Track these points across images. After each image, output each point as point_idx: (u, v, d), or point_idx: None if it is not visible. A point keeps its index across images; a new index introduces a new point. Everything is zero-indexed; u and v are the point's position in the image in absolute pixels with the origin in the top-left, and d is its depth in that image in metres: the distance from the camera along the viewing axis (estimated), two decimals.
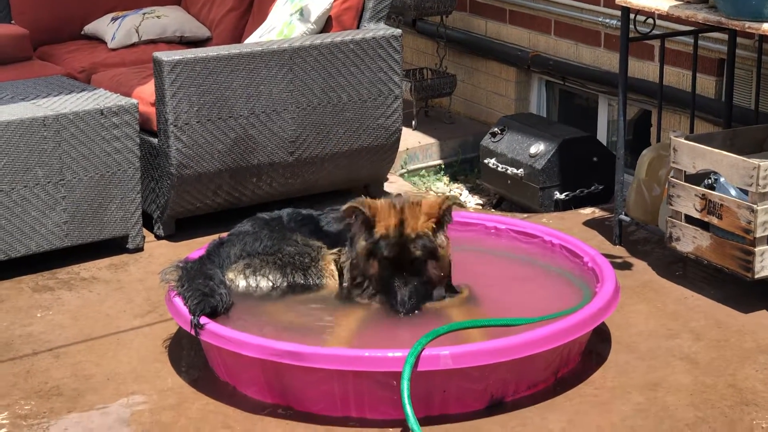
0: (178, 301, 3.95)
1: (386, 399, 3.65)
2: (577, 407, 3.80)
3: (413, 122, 6.83)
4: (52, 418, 3.75)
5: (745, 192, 4.39)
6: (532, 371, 3.81)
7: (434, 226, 4.01)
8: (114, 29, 6.13)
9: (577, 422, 3.70)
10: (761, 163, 4.28)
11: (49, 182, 4.83)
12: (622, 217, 5.09)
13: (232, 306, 3.99)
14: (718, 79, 5.48)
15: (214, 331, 3.80)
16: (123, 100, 5.00)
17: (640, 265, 4.91)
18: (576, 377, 3.97)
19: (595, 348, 4.15)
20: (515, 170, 5.85)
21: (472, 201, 6.28)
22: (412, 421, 3.43)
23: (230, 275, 4.14)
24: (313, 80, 5.27)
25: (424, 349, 3.60)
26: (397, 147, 5.64)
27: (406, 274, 3.99)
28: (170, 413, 3.80)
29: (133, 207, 5.04)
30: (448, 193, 4.17)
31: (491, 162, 6.01)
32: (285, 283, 4.14)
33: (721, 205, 4.43)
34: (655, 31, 5.08)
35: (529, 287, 4.28)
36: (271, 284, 4.13)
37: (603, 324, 4.29)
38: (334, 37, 5.31)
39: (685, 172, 4.60)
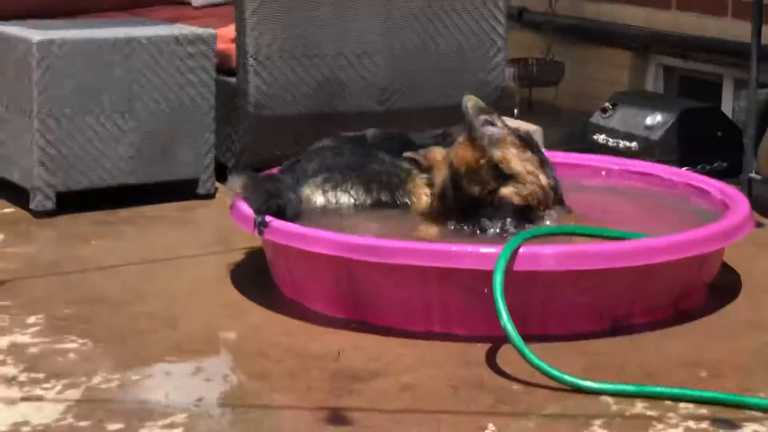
0: (243, 205, 3.48)
1: (476, 310, 3.10)
2: (705, 335, 3.20)
3: (515, 111, 6.33)
4: (92, 322, 3.27)
5: None
6: (648, 292, 3.23)
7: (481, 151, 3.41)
8: None
9: (706, 348, 3.10)
10: None
11: (115, 111, 4.41)
12: (752, 175, 4.50)
13: (301, 216, 3.49)
14: None
15: (279, 227, 3.31)
16: (200, 30, 4.60)
17: None
18: (701, 311, 3.37)
19: (722, 288, 3.55)
20: (628, 143, 5.29)
21: None
22: (505, 319, 2.87)
23: (307, 191, 3.64)
24: (408, 23, 4.82)
25: (521, 245, 3.05)
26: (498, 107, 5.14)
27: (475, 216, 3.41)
28: (225, 321, 3.30)
29: (206, 148, 4.59)
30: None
31: (600, 138, 5.45)
32: (369, 201, 3.63)
33: None
34: None
35: (650, 219, 3.69)
36: (353, 200, 3.62)
37: (731, 269, 3.71)
38: None
39: None
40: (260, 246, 3.69)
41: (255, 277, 3.65)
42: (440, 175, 3.51)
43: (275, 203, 3.39)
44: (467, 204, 3.41)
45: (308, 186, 3.65)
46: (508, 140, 3.45)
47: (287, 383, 2.87)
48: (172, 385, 2.86)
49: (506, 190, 3.40)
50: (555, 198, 3.50)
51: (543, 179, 3.47)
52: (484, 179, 3.38)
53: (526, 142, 3.49)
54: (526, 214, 3.42)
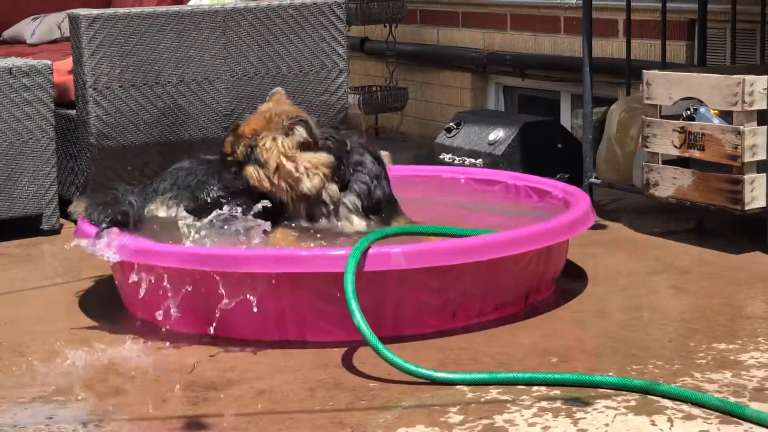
0: (85, 224, 3.41)
1: (331, 315, 3.09)
2: (553, 325, 3.26)
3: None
4: None
5: (729, 117, 3.94)
6: (499, 287, 3.27)
7: (263, 131, 3.47)
8: (34, 26, 5.70)
9: (553, 337, 3.15)
10: (746, 77, 3.84)
11: None
12: (593, 180, 4.62)
13: (142, 221, 3.46)
14: (688, 44, 5.09)
15: (124, 245, 3.25)
16: (35, 62, 4.52)
17: (615, 226, 4.41)
18: (549, 304, 3.43)
19: (568, 285, 3.62)
20: (473, 161, 5.37)
21: None
22: (357, 317, 2.87)
23: (151, 206, 3.60)
24: (249, 47, 4.81)
25: (370, 246, 3.06)
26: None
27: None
28: (75, 345, 3.21)
29: (48, 182, 4.50)
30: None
31: (447, 157, 5.52)
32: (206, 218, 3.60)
33: (703, 134, 3.97)
34: None
35: (497, 220, 3.71)
36: (192, 218, 3.58)
37: (577, 266, 3.79)
38: (271, 2, 4.88)
39: (660, 107, 4.15)
40: (109, 273, 3.63)
41: (105, 302, 3.58)
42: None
43: (117, 210, 3.36)
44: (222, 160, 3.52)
45: (153, 203, 3.61)
46: (299, 140, 3.45)
47: (141, 397, 2.81)
48: (20, 408, 2.77)
49: (250, 169, 3.45)
50: (368, 205, 3.52)
51: (309, 184, 3.45)
52: (236, 148, 3.46)
53: (336, 155, 3.50)
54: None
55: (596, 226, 4.35)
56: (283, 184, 3.43)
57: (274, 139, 3.44)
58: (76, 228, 3.47)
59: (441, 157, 5.56)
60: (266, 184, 3.44)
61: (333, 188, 3.47)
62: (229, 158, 3.50)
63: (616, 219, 4.50)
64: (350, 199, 3.51)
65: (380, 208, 3.55)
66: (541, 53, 5.84)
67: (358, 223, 3.49)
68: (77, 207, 3.53)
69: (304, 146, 3.45)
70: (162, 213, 3.57)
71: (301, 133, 3.44)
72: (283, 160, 3.42)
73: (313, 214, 3.47)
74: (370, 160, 3.58)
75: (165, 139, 4.69)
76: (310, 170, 3.43)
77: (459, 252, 3.11)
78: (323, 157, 3.46)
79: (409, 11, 6.51)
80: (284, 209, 3.46)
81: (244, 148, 3.45)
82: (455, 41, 6.37)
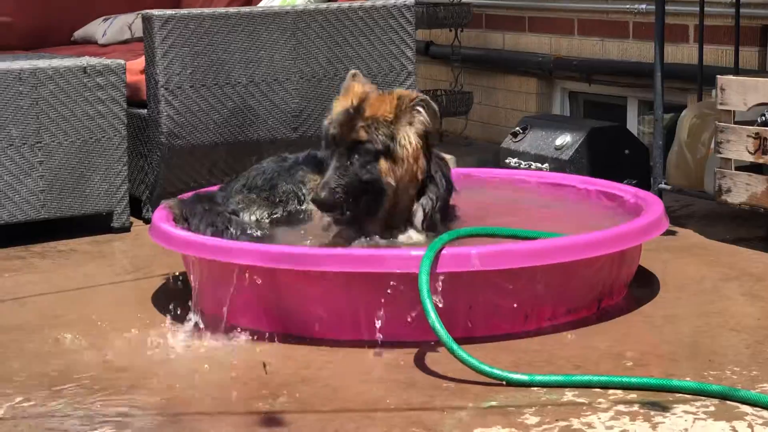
0: (161, 224, 3.45)
1: (404, 315, 3.09)
2: (627, 330, 3.24)
3: None
4: (9, 347, 3.20)
5: None
6: (571, 291, 3.25)
7: (396, 117, 3.32)
8: (105, 27, 5.76)
9: (627, 341, 3.13)
10: None
11: (24, 144, 4.35)
12: (663, 186, 4.58)
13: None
14: (761, 50, 5.04)
15: (197, 241, 3.28)
16: (109, 61, 4.56)
17: (684, 232, 4.38)
18: (622, 309, 3.41)
19: (640, 290, 3.59)
20: (540, 165, 5.35)
21: None
22: (433, 317, 2.87)
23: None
24: (318, 48, 4.83)
25: (444, 247, 3.06)
26: None
27: (345, 158, 3.29)
28: (149, 340, 3.23)
29: (119, 180, 4.54)
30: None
31: (513, 161, 5.51)
32: (272, 218, 3.66)
33: None
34: None
35: (568, 223, 3.71)
36: (255, 218, 3.64)
37: (647, 272, 3.76)
38: (341, 3, 4.90)
39: (734, 113, 4.11)
40: (181, 271, 3.66)
41: (177, 299, 3.59)
42: (338, 105, 3.39)
43: (222, 220, 3.50)
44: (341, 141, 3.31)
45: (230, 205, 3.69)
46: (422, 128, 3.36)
47: (218, 393, 2.83)
48: (101, 397, 2.79)
49: (384, 164, 3.31)
50: (429, 223, 3.44)
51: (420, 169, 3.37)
52: (375, 132, 3.29)
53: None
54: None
55: (666, 232, 4.28)
56: (401, 185, 3.35)
57: (413, 133, 3.31)
58: (153, 227, 3.50)
59: (507, 161, 5.55)
60: (392, 181, 3.32)
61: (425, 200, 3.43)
62: (365, 144, 3.28)
63: (686, 225, 4.47)
64: (417, 215, 3.46)
65: (437, 223, 3.48)
66: (608, 58, 5.81)
67: (417, 238, 3.45)
68: (173, 209, 3.59)
69: (424, 135, 3.36)
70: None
71: (424, 119, 3.34)
72: (413, 161, 3.33)
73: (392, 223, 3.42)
74: (440, 176, 3.51)
75: (234, 139, 4.72)
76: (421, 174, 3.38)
77: (534, 254, 3.10)
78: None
79: (475, 15, 6.50)
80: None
81: (384, 138, 3.28)
82: (521, 46, 6.35)
